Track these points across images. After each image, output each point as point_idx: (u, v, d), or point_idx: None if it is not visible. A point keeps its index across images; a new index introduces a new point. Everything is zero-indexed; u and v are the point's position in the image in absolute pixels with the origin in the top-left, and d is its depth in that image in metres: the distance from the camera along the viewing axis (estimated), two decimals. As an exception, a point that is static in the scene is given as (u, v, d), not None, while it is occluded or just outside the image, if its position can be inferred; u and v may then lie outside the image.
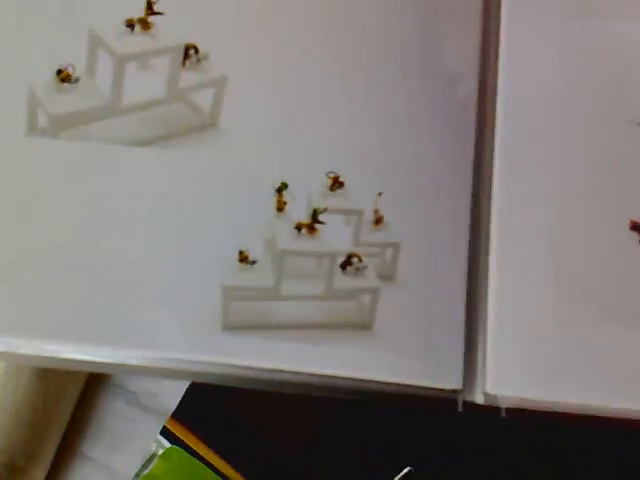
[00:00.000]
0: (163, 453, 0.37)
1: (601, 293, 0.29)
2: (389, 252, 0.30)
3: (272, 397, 0.30)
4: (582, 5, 0.32)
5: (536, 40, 0.32)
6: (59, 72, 0.31)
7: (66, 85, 0.31)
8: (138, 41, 0.31)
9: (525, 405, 0.28)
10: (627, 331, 0.28)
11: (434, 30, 0.32)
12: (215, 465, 0.37)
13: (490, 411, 0.29)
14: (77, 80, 0.31)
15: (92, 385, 0.41)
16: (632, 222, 0.30)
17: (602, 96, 0.31)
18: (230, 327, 0.29)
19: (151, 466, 0.37)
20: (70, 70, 0.31)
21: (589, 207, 0.30)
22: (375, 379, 0.29)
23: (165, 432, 0.38)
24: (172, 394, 0.39)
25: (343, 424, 0.38)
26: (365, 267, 0.30)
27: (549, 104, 0.31)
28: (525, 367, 0.29)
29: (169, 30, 0.31)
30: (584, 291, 0.29)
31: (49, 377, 0.37)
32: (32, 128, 0.30)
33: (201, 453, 0.37)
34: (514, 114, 0.31)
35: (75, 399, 0.40)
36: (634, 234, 0.29)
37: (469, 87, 0.31)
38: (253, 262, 0.30)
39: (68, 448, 0.40)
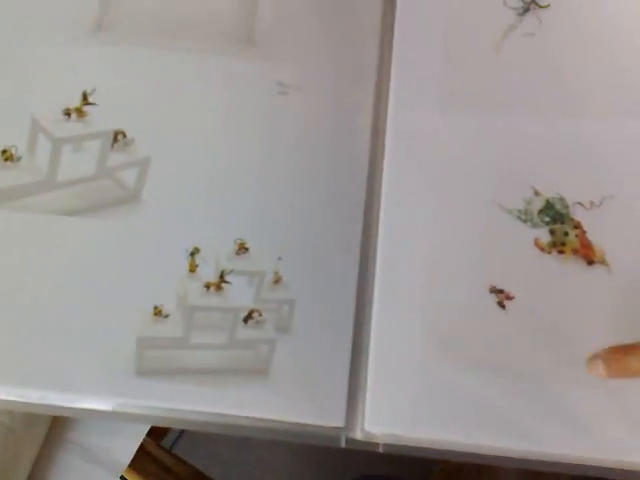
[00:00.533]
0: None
1: (463, 346, 0.34)
2: (285, 308, 0.34)
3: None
4: (456, 104, 0.38)
5: (416, 134, 0.38)
6: (3, 152, 0.36)
7: (9, 163, 0.36)
8: (74, 127, 0.36)
9: (399, 441, 0.33)
10: (481, 378, 0.33)
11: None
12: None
13: (369, 447, 0.33)
14: (19, 159, 0.36)
15: (47, 442, 0.42)
16: (491, 286, 0.35)
17: (469, 181, 0.37)
18: (143, 372, 0.33)
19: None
20: (13, 150, 0.36)
21: (455, 273, 0.35)
22: (270, 418, 0.33)
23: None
24: (127, 449, 0.42)
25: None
26: (264, 321, 0.34)
27: (426, 187, 0.37)
28: (398, 408, 0.33)
29: (101, 118, 0.36)
30: (448, 345, 0.34)
31: (8, 438, 0.39)
32: (-22, 199, 0.35)
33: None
34: (395, 200, 0.37)
35: (33, 458, 0.41)
36: (492, 296, 0.35)
37: (360, 180, 0.37)
38: (166, 316, 0.34)
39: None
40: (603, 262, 0.35)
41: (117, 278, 0.34)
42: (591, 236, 0.35)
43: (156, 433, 0.43)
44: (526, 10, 0.40)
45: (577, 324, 0.34)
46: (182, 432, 0.43)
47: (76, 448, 0.42)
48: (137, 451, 0.42)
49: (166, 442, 0.44)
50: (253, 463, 0.44)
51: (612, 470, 0.31)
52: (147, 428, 0.42)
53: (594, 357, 0.32)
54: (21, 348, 0.33)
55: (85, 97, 0.37)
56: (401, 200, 0.37)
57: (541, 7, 0.40)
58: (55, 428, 0.42)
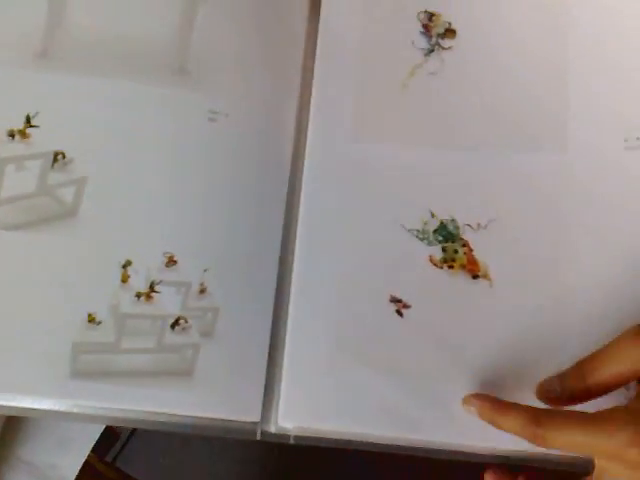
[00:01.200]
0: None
1: (365, 349, 0.38)
2: (209, 315, 0.39)
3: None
4: (367, 135, 0.43)
5: (331, 161, 0.42)
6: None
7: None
8: (17, 147, 0.39)
9: (308, 433, 0.37)
10: (380, 377, 0.38)
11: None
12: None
13: (282, 439, 0.37)
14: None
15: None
16: (391, 296, 0.40)
17: (376, 203, 0.42)
18: (78, 374, 0.37)
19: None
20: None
21: (362, 283, 0.40)
22: (193, 415, 0.37)
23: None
24: (73, 465, 0.44)
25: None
26: (190, 327, 0.38)
27: (338, 209, 0.41)
28: (308, 404, 0.38)
29: (43, 139, 0.40)
30: (354, 348, 0.38)
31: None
32: None
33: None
34: (311, 218, 0.41)
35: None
36: (392, 305, 0.39)
37: (280, 200, 0.41)
38: (99, 322, 0.38)
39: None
40: (486, 277, 0.40)
41: (54, 288, 0.38)
42: (477, 254, 0.41)
43: (100, 449, 0.46)
44: (431, 51, 0.45)
45: (463, 331, 0.39)
46: (123, 447, 0.47)
47: (23, 466, 0.44)
48: (82, 466, 0.44)
49: (109, 457, 0.47)
50: (195, 475, 0.48)
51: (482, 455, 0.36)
52: (92, 444, 0.45)
53: (468, 401, 0.36)
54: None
55: (28, 120, 0.40)
56: (316, 219, 0.41)
57: (444, 49, 0.45)
58: (2, 447, 0.45)
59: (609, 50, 0.44)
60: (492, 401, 0.35)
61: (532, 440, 0.32)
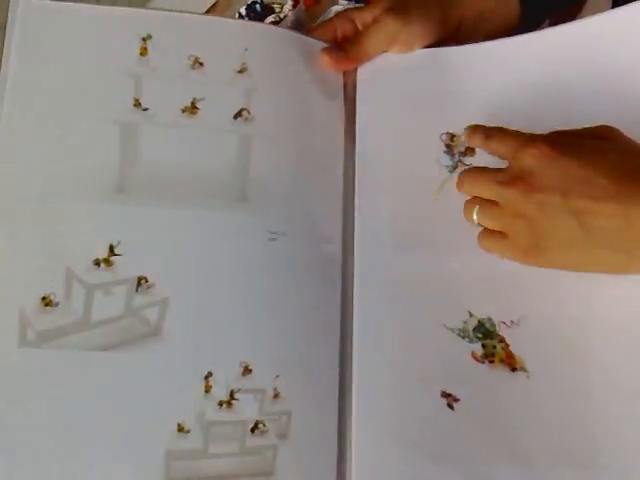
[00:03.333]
0: None
1: (423, 441, 0.43)
2: (284, 418, 0.43)
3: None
4: (406, 246, 0.49)
5: (377, 272, 0.48)
6: (43, 298, 0.43)
7: (49, 308, 0.43)
8: (103, 274, 0.44)
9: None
10: (437, 467, 0.43)
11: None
12: None
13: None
14: (57, 304, 0.43)
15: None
16: (442, 391, 0.45)
17: (421, 307, 0.47)
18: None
19: None
20: (52, 297, 0.43)
21: (416, 382, 0.45)
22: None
23: None
24: None
25: None
26: (267, 430, 0.43)
27: (388, 316, 0.47)
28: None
29: (126, 266, 0.45)
30: (413, 441, 0.43)
31: None
32: (23, 341, 0.42)
33: None
34: (364, 328, 0.46)
35: None
36: (443, 399, 0.45)
37: (335, 308, 0.47)
38: (188, 431, 0.42)
39: None
40: (523, 369, 0.46)
41: (145, 402, 0.42)
42: (513, 348, 0.46)
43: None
44: (455, 167, 0.52)
45: (506, 419, 0.44)
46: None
47: None
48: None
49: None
50: None
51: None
52: None
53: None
54: (61, 469, 0.40)
55: (112, 249, 0.45)
56: (369, 324, 0.47)
57: (466, 165, 0.52)
58: None
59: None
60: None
61: None
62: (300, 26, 1.03)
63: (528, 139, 0.46)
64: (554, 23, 0.58)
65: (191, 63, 0.50)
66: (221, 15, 1.08)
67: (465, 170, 0.49)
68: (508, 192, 0.45)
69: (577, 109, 0.50)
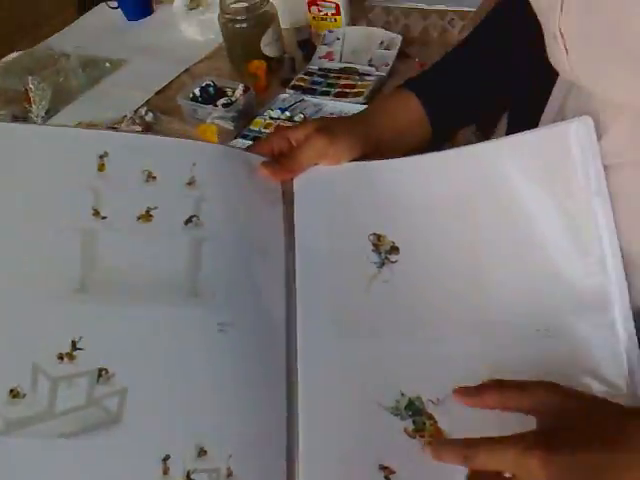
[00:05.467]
0: None
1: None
2: (238, 494, 0.47)
3: None
4: (343, 331, 0.55)
5: (320, 357, 0.53)
6: (11, 391, 0.46)
7: (16, 399, 0.46)
8: (66, 367, 0.48)
9: None
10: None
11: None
12: None
13: None
14: (24, 395, 0.46)
15: None
16: (379, 465, 0.50)
17: (358, 387, 0.53)
18: None
19: None
20: (19, 389, 0.46)
21: (355, 456, 0.50)
22: None
23: None
24: None
25: None
26: (223, 505, 0.46)
27: (328, 395, 0.52)
28: None
29: (87, 359, 0.48)
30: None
31: None
32: (-10, 432, 0.45)
33: None
34: (310, 400, 0.52)
35: None
36: (381, 472, 0.49)
37: (280, 386, 0.51)
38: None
39: None
40: (450, 441, 0.51)
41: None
42: (440, 424, 0.52)
43: None
44: (382, 264, 0.59)
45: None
46: None
47: None
48: None
49: None
50: None
51: None
52: None
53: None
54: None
55: (74, 344, 0.49)
56: (313, 401, 0.52)
57: (392, 262, 0.59)
58: None
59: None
60: None
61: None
62: (249, 109, 1.13)
63: (523, 448, 0.43)
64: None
65: (145, 177, 0.56)
66: (176, 95, 1.17)
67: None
68: None
69: (481, 224, 0.58)
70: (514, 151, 0.59)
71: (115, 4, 1.58)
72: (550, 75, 0.64)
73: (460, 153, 0.62)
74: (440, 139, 0.73)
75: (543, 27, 0.60)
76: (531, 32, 0.63)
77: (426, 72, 0.76)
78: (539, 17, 0.60)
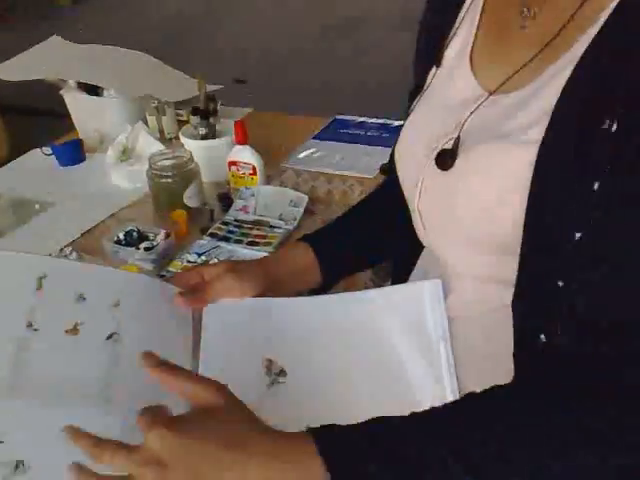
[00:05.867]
0: None
1: None
2: None
3: None
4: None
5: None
6: None
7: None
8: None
9: None
10: None
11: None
12: None
13: None
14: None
15: None
16: None
17: None
18: None
19: None
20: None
21: None
22: None
23: None
24: None
25: None
26: None
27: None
28: None
29: (6, 451, 0.55)
30: None
31: None
32: None
33: None
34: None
35: None
36: None
37: None
38: None
39: None
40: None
41: None
42: None
43: None
44: (272, 383, 0.69)
45: None
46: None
47: None
48: None
49: None
50: None
51: None
52: None
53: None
54: None
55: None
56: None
57: (280, 383, 0.69)
58: None
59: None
60: None
61: None
62: (169, 253, 1.24)
63: (151, 421, 0.54)
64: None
65: (76, 297, 0.66)
66: (101, 237, 1.27)
67: (103, 442, 0.55)
68: (142, 471, 0.53)
69: (353, 357, 0.71)
70: (379, 300, 0.74)
71: (49, 151, 1.71)
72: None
73: (340, 298, 0.76)
74: (329, 283, 0.87)
75: (408, 204, 0.77)
76: (406, 207, 0.79)
77: (322, 229, 0.91)
78: (406, 196, 0.77)
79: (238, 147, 1.47)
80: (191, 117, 1.56)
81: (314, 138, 1.71)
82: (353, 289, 0.94)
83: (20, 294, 0.65)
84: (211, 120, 1.56)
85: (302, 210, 1.38)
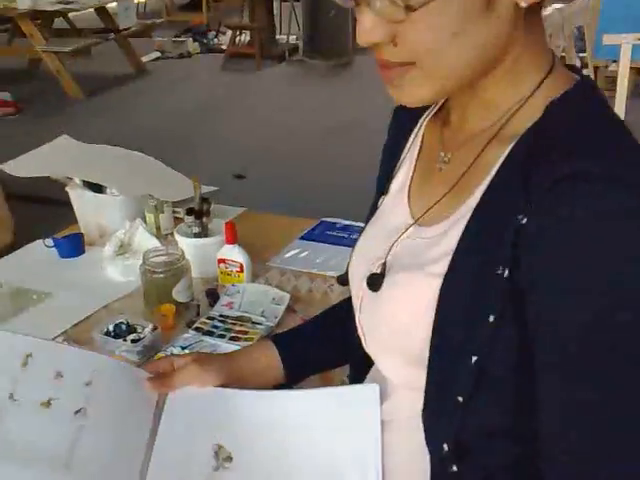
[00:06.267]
0: None
1: None
2: None
3: None
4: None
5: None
6: None
7: None
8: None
9: None
10: None
11: None
12: None
13: None
14: None
15: None
16: None
17: None
18: None
19: None
20: None
21: None
22: None
23: None
24: None
25: None
26: None
27: None
28: None
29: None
30: None
31: None
32: None
33: None
34: None
35: None
36: None
37: None
38: None
39: None
40: None
41: None
42: None
43: None
44: (218, 468, 0.76)
45: None
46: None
47: None
48: None
49: None
50: None
51: None
52: None
53: None
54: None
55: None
56: None
57: (225, 468, 0.76)
58: None
59: None
60: None
61: None
62: (155, 345, 1.31)
63: None
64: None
65: (55, 375, 0.77)
66: (92, 327, 1.34)
67: None
68: None
69: (293, 450, 0.79)
70: (321, 400, 0.83)
71: (51, 243, 1.81)
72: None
73: (287, 395, 0.85)
74: (293, 381, 0.95)
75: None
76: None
77: (290, 330, 1.00)
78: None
79: (228, 246, 1.57)
80: (185, 216, 1.67)
81: (301, 238, 1.81)
82: (330, 384, 1.03)
83: (8, 368, 0.75)
84: (204, 220, 1.67)
85: (283, 308, 1.47)
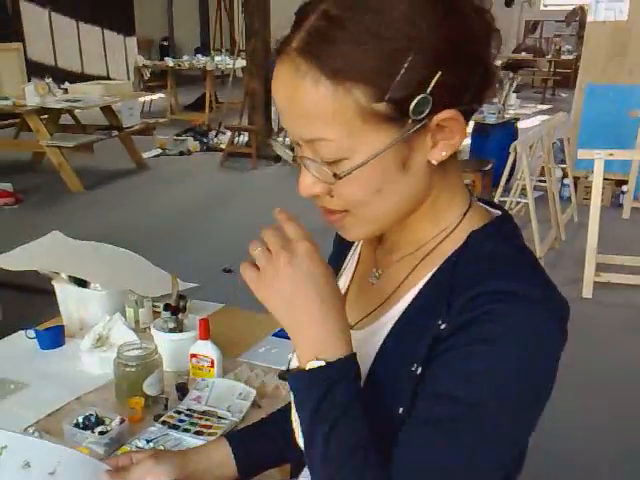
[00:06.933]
0: None
1: None
2: None
3: None
4: None
5: None
6: None
7: None
8: None
9: None
10: None
11: None
12: None
13: None
14: None
15: None
16: None
17: None
18: None
19: None
20: None
21: None
22: None
23: None
24: None
25: None
26: None
27: None
28: None
29: None
30: None
31: None
32: None
33: None
34: None
35: None
36: None
37: None
38: None
39: None
40: None
41: None
42: None
43: None
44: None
45: None
46: None
47: None
48: None
49: None
50: None
51: None
52: None
53: None
54: None
55: None
56: None
57: None
58: None
59: None
60: None
61: None
62: (121, 437, 1.36)
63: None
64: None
65: (24, 464, 0.84)
66: (64, 417, 1.40)
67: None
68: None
69: None
70: None
71: (32, 334, 1.88)
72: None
73: None
74: (246, 477, 1.01)
75: None
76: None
77: (244, 428, 1.08)
78: None
79: (200, 341, 1.65)
80: (162, 312, 1.75)
81: (274, 335, 1.89)
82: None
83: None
84: (180, 316, 1.75)
85: (249, 403, 1.52)
